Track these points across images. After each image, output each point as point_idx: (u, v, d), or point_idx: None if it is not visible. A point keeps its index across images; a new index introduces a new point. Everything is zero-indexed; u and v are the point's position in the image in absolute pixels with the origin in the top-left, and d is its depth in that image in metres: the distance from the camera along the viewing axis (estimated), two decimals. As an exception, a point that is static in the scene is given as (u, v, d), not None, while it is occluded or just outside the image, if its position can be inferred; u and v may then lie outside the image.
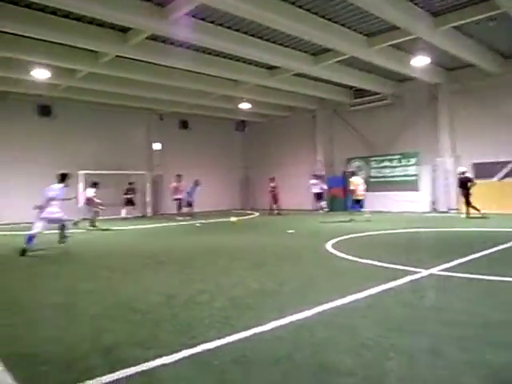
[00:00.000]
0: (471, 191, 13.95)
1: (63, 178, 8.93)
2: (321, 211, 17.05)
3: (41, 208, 8.33)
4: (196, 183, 18.21)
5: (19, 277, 6.04)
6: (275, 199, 19.08)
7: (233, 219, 11.98)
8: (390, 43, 12.70)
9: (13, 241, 10.89)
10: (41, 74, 13.84)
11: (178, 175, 18.16)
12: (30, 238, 8.07)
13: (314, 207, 18.35)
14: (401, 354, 2.90)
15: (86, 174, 18.02)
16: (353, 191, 14.83)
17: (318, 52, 14.01)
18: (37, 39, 11.58)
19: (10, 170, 17.11)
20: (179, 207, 17.71)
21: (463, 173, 14.29)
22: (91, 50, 12.75)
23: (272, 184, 19.17)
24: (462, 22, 11.19)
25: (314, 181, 17.58)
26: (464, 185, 13.97)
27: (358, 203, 14.75)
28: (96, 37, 11.57)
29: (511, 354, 2.85)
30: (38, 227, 8.24)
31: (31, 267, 6.88)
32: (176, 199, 17.76)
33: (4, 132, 17.28)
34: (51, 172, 18.91)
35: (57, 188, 8.71)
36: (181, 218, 16.70)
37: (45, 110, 18.29)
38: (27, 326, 3.72)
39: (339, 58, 13.95)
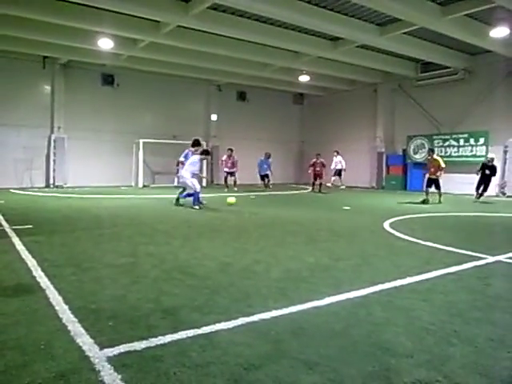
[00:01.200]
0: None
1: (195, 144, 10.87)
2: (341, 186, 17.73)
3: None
4: (267, 156, 18.04)
5: (86, 236, 6.42)
6: (315, 176, 17.53)
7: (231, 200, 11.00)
8: (466, 12, 11.79)
9: (77, 203, 11.60)
10: (104, 43, 14.32)
11: (230, 149, 18.07)
12: (189, 195, 10.47)
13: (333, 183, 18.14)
14: (464, 341, 2.78)
15: (146, 142, 18.67)
16: (438, 169, 13.15)
17: (385, 22, 13.33)
18: (101, 9, 11.92)
19: (77, 137, 18.06)
20: (225, 180, 17.75)
21: (492, 160, 13.87)
22: (153, 20, 12.96)
23: (314, 160, 17.56)
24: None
25: (339, 157, 17.78)
26: (489, 173, 13.65)
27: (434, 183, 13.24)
28: (158, 6, 11.73)
29: None
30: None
31: (96, 229, 7.29)
32: (226, 172, 17.78)
33: (71, 100, 18.20)
34: (114, 139, 19.90)
35: (192, 156, 10.74)
36: (226, 190, 16.59)
37: (108, 79, 19.03)
38: (95, 283, 3.96)
39: (407, 29, 13.22)
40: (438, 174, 13.04)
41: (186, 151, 11.66)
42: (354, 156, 21.20)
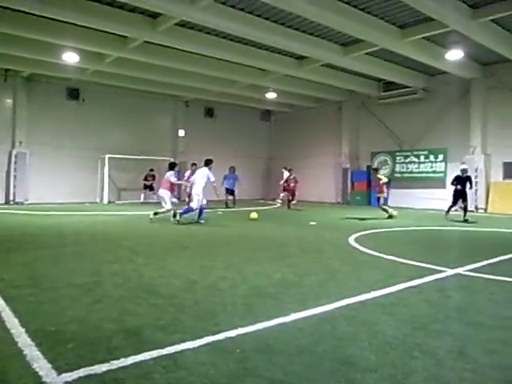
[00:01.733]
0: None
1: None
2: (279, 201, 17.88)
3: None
4: (232, 170, 17.48)
5: (47, 255, 6.19)
6: (287, 191, 17.38)
7: (253, 215, 11.61)
8: (423, 35, 12.38)
9: (39, 220, 11.20)
10: (70, 57, 14.07)
11: (193, 164, 16.30)
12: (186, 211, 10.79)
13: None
14: (426, 354, 2.85)
15: (112, 158, 18.35)
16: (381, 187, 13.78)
17: (348, 43, 13.77)
18: (67, 23, 11.74)
19: (40, 152, 17.52)
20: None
21: (465, 170, 13.11)
22: (120, 35, 12.87)
23: (288, 175, 17.41)
24: (501, 14, 10.79)
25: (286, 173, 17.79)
26: (461, 188, 12.70)
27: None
28: (126, 22, 11.67)
29: (541, 360, 2.76)
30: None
31: (58, 247, 7.05)
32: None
33: (34, 114, 17.70)
34: (79, 154, 19.42)
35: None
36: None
37: (73, 94, 18.65)
38: (54, 304, 3.81)
39: (370, 50, 13.70)
40: (382, 190, 13.60)
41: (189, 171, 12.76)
42: (319, 172, 21.60)
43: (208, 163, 11.20)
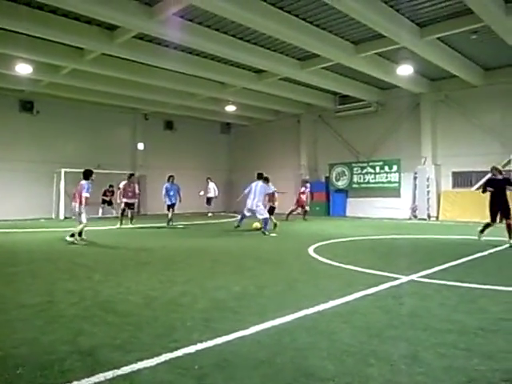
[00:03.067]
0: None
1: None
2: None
3: None
4: (171, 180, 14.91)
5: (-5, 276, 5.89)
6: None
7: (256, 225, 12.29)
8: (375, 51, 12.91)
9: (-11, 238, 10.65)
10: (23, 68, 13.59)
11: (130, 174, 14.95)
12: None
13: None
14: (381, 360, 2.93)
15: (67, 172, 17.77)
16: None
17: (305, 57, 14.13)
18: (20, 33, 11.36)
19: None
20: (122, 212, 14.11)
21: (497, 170, 9.56)
22: (76, 47, 12.59)
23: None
24: (446, 33, 11.44)
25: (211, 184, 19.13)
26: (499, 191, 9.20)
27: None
28: (82, 33, 11.44)
29: (488, 361, 2.90)
30: None
31: (9, 266, 6.72)
32: (125, 202, 14.10)
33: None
34: (33, 169, 18.66)
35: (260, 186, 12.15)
36: (118, 226, 13.72)
37: (27, 106, 18.01)
38: (2, 326, 3.63)
39: (325, 64, 14.11)
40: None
41: (251, 184, 12.29)
42: (279, 184, 21.70)
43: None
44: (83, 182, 9.80)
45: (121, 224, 13.81)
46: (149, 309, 4.17)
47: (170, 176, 14.99)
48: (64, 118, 18.91)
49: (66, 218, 17.65)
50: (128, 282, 5.42)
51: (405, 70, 13.99)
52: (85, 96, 17.48)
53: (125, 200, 14.03)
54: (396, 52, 12.97)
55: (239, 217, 12.82)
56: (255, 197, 11.89)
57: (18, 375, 2.66)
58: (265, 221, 11.70)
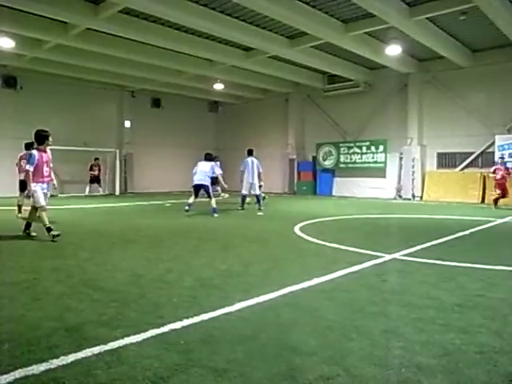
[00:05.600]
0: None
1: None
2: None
3: None
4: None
5: (-20, 253, 5.86)
6: None
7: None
8: (365, 30, 12.82)
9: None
10: (5, 42, 13.19)
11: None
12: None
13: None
14: (362, 334, 3.02)
15: (53, 149, 17.46)
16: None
17: (294, 35, 13.96)
18: (2, 6, 10.98)
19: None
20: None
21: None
22: (61, 21, 12.24)
23: None
24: (436, 13, 11.40)
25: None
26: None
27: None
28: (66, 7, 11.13)
29: (463, 335, 3.02)
30: None
31: (-7, 244, 6.68)
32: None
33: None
34: (15, 146, 18.35)
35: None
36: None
37: (9, 81, 17.56)
38: (-12, 303, 3.64)
39: (315, 43, 13.98)
40: None
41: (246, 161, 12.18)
42: (267, 163, 21.66)
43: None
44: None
45: None
46: (135, 286, 4.21)
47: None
48: (49, 95, 18.49)
49: (52, 195, 17.42)
50: (114, 259, 5.44)
51: (393, 49, 13.94)
52: (70, 72, 17.09)
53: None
54: (385, 32, 12.89)
55: (240, 200, 12.57)
56: (253, 172, 12.16)
57: (5, 350, 2.68)
58: (258, 197, 12.13)
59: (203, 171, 10.82)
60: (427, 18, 12.05)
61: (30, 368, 2.44)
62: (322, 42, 13.66)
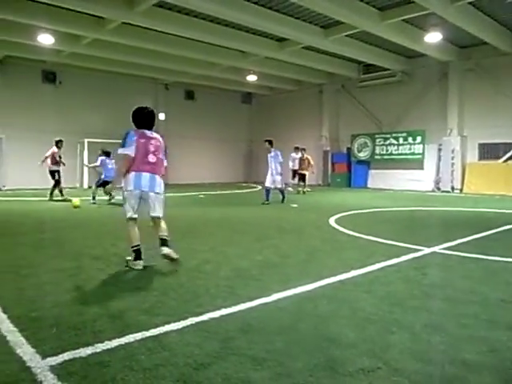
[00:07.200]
0: None
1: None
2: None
3: None
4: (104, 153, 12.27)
5: (27, 241, 6.12)
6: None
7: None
8: (402, 18, 12.43)
9: (18, 207, 11.02)
10: (45, 39, 13.65)
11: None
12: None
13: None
14: (402, 328, 2.96)
15: (91, 142, 18.03)
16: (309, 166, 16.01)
17: (329, 25, 13.72)
18: (42, 3, 11.36)
19: (16, 137, 17.08)
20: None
21: None
22: (97, 16, 12.53)
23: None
24: (479, -3, 10.91)
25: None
26: None
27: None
28: (103, 2, 11.39)
29: (510, 333, 2.90)
30: None
31: (38, 233, 6.96)
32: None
33: (9, 98, 17.19)
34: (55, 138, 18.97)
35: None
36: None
37: (49, 77, 18.17)
38: (36, 289, 3.80)
39: (350, 32, 13.70)
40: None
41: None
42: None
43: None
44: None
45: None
46: (173, 275, 4.29)
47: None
48: (86, 89, 19.03)
49: (89, 187, 18.02)
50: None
51: (433, 37, 13.45)
52: (106, 66, 17.51)
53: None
54: (424, 18, 12.44)
55: (264, 193, 12.13)
56: (276, 165, 11.86)
57: (53, 334, 2.80)
58: (282, 191, 11.98)
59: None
60: (469, 3, 11.56)
61: (77, 351, 2.53)
62: (357, 30, 13.36)
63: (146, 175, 4.52)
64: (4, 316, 3.09)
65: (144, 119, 4.90)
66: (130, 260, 4.53)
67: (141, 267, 4.42)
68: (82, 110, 18.93)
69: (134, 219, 4.66)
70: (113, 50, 15.47)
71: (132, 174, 4.50)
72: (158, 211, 4.70)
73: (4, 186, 16.80)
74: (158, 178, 4.64)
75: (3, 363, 2.39)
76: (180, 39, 14.65)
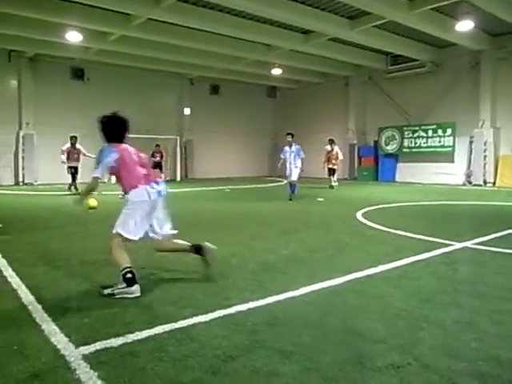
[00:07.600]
0: None
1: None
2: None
3: None
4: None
5: (58, 234, 6.30)
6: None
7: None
8: (432, 6, 12.05)
9: (50, 201, 11.34)
10: (73, 36, 13.94)
11: (72, 137, 13.65)
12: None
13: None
14: (433, 324, 2.90)
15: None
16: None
17: (355, 16, 13.47)
18: (70, 1, 11.60)
19: (47, 133, 17.56)
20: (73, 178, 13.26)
21: None
22: (123, 13, 12.69)
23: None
24: (514, -18, 10.47)
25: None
26: None
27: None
28: (129, -1, 11.50)
29: (548, 329, 2.80)
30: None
31: (68, 226, 7.15)
32: (70, 167, 13.36)
33: (40, 95, 17.67)
34: (84, 134, 19.41)
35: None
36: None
37: (78, 73, 18.57)
38: (69, 279, 3.91)
39: (377, 23, 13.40)
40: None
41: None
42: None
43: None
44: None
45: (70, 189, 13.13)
46: (201, 268, 4.32)
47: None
48: (113, 85, 19.36)
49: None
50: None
51: (464, 25, 12.97)
52: (132, 62, 17.75)
53: (71, 164, 13.26)
54: (455, 6, 12.04)
55: (288, 188, 11.84)
56: (296, 158, 11.62)
57: (85, 324, 2.88)
58: (293, 184, 11.55)
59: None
60: (503, -11, 11.12)
61: (108, 341, 2.59)
62: (384, 21, 13.06)
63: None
64: (39, 306, 3.19)
65: (119, 129, 4.28)
66: (118, 288, 3.46)
67: (139, 294, 3.44)
68: (108, 105, 19.07)
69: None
70: (139, 46, 15.66)
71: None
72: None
73: (36, 181, 17.33)
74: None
75: (40, 351, 2.48)
76: (205, 34, 14.68)
